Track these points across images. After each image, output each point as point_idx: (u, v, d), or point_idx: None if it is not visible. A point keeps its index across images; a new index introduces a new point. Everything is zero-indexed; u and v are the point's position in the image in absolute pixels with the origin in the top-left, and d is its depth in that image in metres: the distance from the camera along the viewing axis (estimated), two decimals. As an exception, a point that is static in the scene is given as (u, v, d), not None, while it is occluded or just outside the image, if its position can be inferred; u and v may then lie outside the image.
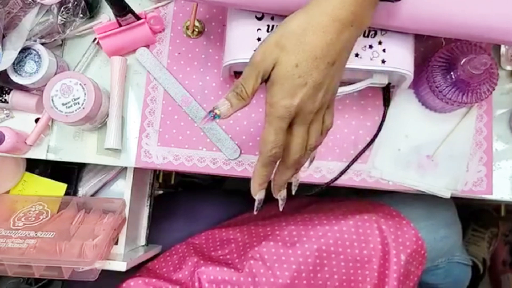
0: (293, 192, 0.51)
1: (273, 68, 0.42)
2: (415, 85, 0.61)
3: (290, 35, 0.41)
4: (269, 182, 0.53)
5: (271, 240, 0.66)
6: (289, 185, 0.50)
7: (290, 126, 0.43)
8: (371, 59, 0.53)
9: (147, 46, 0.64)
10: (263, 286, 0.63)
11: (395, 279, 0.64)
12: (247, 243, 0.68)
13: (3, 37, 0.59)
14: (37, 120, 0.64)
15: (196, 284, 0.63)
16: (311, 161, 0.51)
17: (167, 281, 0.64)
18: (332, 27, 0.41)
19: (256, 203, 0.48)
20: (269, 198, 0.81)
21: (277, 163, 0.45)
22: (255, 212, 0.48)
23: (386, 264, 0.65)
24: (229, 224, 0.76)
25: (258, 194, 0.47)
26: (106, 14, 0.64)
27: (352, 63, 0.53)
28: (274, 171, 0.46)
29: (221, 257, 0.68)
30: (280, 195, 0.48)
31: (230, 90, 0.44)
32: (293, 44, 0.41)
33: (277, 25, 0.53)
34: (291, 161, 0.44)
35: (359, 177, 0.62)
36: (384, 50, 0.53)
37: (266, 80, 0.43)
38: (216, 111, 0.43)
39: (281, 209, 0.49)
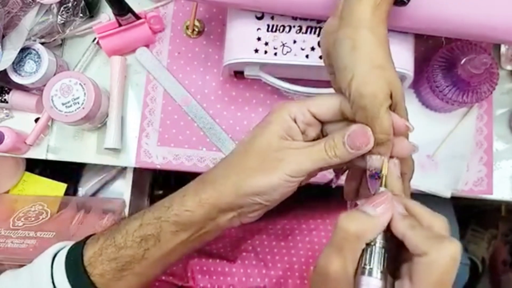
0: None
1: None
2: (415, 85, 0.61)
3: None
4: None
5: (264, 233, 0.66)
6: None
7: None
8: (371, 59, 0.53)
9: (147, 45, 0.64)
10: (255, 278, 0.63)
11: None
12: (241, 237, 0.68)
13: (3, 36, 0.59)
14: (37, 120, 0.63)
15: (189, 274, 0.63)
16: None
17: None
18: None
19: None
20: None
21: None
22: None
23: None
24: None
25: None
26: (106, 14, 0.64)
27: (352, 62, 0.53)
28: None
29: (214, 250, 0.68)
30: None
31: None
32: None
33: (277, 25, 0.53)
34: None
35: (359, 177, 0.61)
36: (384, 50, 0.53)
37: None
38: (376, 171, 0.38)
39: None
